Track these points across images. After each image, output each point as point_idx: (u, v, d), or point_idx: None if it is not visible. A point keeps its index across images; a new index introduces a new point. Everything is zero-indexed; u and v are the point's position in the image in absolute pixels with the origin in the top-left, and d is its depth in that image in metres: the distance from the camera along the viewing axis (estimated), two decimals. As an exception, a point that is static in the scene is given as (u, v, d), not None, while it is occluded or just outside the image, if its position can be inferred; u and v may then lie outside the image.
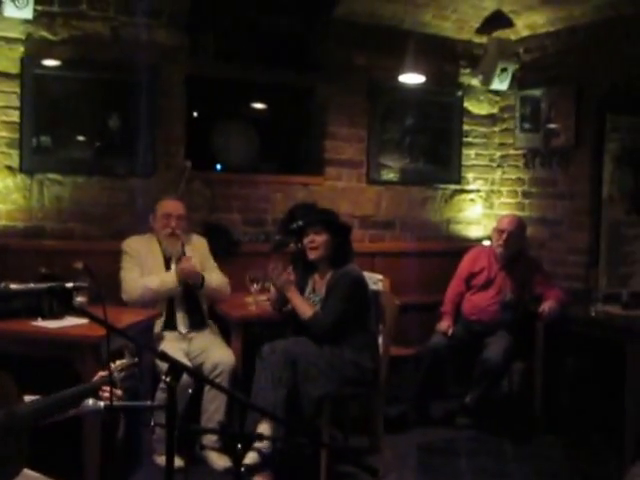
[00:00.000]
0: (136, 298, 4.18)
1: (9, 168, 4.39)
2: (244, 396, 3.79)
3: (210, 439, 4.06)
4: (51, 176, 4.51)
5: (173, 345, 4.14)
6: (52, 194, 4.52)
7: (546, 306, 4.60)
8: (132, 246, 4.32)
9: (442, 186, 5.65)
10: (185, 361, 4.07)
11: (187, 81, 4.79)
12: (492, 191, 5.78)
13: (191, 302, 4.34)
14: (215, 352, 4.16)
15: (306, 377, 3.80)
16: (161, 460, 4.00)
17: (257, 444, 3.69)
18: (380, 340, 4.16)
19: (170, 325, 4.25)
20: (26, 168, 4.42)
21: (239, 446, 2.12)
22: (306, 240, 4.03)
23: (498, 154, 5.75)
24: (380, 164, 5.40)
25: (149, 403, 2.84)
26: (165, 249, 4.33)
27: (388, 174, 5.44)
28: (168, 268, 4.31)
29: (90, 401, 2.12)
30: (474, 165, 5.73)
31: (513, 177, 5.62)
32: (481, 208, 5.78)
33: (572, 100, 5.06)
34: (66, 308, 2.16)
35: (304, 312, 3.95)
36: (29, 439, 2.16)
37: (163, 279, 4.22)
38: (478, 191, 5.76)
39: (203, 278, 4.32)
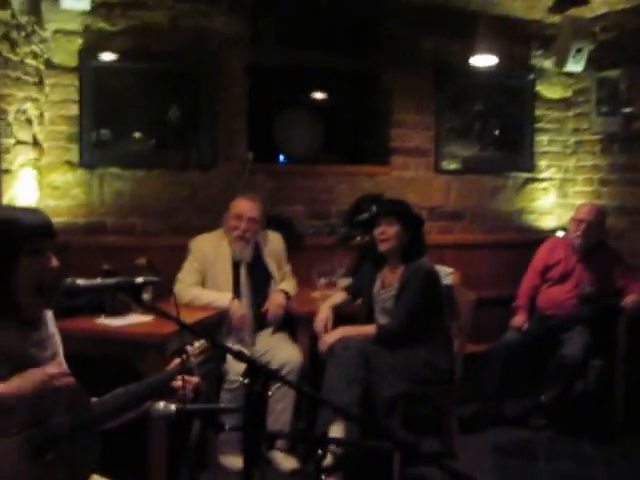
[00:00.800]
0: (184, 302, 3.98)
1: (69, 163, 4.33)
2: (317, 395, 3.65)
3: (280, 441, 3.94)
4: (111, 170, 4.43)
5: (237, 344, 4.02)
6: (112, 189, 4.45)
7: (629, 300, 4.35)
8: (199, 246, 4.15)
9: (513, 174, 5.38)
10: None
11: (248, 70, 4.66)
12: (566, 179, 5.48)
13: (257, 298, 4.17)
14: (282, 351, 4.02)
15: (379, 376, 3.62)
16: (227, 461, 3.89)
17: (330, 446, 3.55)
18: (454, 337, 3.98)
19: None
20: (86, 163, 4.35)
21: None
22: (377, 231, 3.84)
23: (572, 140, 5.45)
24: (449, 152, 5.17)
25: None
26: (233, 252, 4.13)
27: (457, 163, 5.21)
28: (236, 271, 4.12)
29: (161, 404, 1.99)
30: (547, 152, 5.45)
31: (589, 164, 5.31)
32: (554, 197, 5.50)
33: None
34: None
35: (369, 333, 3.76)
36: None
37: (216, 299, 4.01)
38: (551, 179, 5.48)
39: (289, 297, 4.20)
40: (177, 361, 2.23)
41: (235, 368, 3.78)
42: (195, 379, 2.21)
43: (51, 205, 4.29)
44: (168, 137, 4.50)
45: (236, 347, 3.96)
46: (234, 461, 3.82)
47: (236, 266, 4.15)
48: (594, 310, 4.54)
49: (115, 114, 4.38)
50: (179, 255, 4.20)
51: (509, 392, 4.72)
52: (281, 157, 5.09)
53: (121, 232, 4.46)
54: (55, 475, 1.94)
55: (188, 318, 3.68)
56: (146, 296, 3.60)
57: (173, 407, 1.99)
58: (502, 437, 4.46)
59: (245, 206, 4.12)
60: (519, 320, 4.63)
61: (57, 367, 1.94)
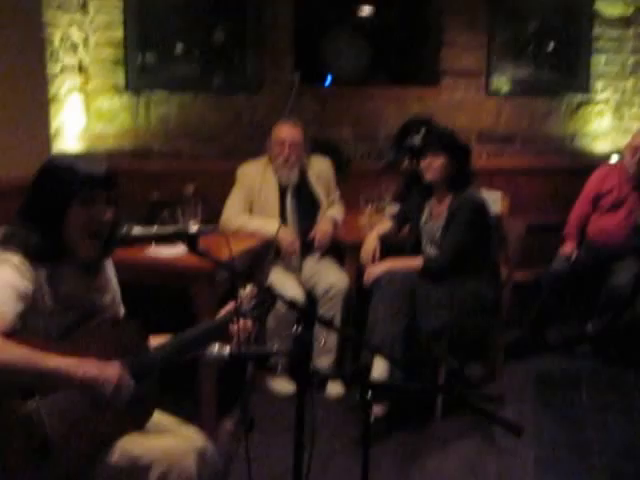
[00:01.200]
0: (232, 230, 4.00)
1: (115, 88, 4.31)
2: (357, 330, 3.68)
3: (324, 363, 3.99)
4: (157, 94, 4.39)
5: (285, 275, 4.04)
6: (159, 113, 4.42)
7: (685, 232, 4.24)
8: (246, 174, 4.12)
9: (567, 96, 5.18)
10: (298, 289, 3.99)
11: (295, -11, 4.52)
12: (623, 101, 5.27)
13: (304, 224, 4.16)
14: (328, 274, 4.04)
15: (425, 308, 3.62)
16: (277, 386, 3.98)
17: (375, 375, 3.60)
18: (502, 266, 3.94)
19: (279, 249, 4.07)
20: (132, 87, 4.33)
21: (369, 394, 1.97)
22: (423, 162, 3.76)
23: (631, 60, 5.20)
24: (501, 73, 4.98)
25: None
26: (280, 178, 4.09)
27: (509, 84, 5.03)
28: (283, 198, 4.10)
29: (215, 347, 2.02)
30: (604, 73, 5.21)
31: (648, 86, 5.11)
32: (610, 120, 5.30)
33: None
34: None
35: (416, 266, 3.72)
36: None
37: (263, 226, 3.99)
38: (607, 101, 5.27)
39: (336, 224, 4.17)
40: (230, 306, 2.24)
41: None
42: (249, 323, 2.23)
43: (98, 131, 4.30)
44: (214, 60, 4.44)
45: (283, 274, 4.02)
46: (284, 385, 3.93)
47: (282, 192, 4.13)
48: (647, 241, 4.46)
49: (160, 37, 4.32)
50: (226, 180, 4.19)
51: (554, 320, 4.72)
52: (328, 79, 4.96)
53: (167, 157, 4.46)
54: (121, 419, 2.01)
55: (235, 247, 3.72)
56: (194, 227, 3.68)
57: (227, 350, 2.02)
58: (545, 365, 4.47)
59: (287, 131, 4.05)
60: (568, 249, 4.56)
61: (125, 375, 1.93)
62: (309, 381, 1.93)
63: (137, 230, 2.06)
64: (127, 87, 4.29)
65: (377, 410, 3.65)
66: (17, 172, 3.59)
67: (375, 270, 3.77)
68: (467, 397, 2.26)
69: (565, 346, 4.67)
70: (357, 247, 4.05)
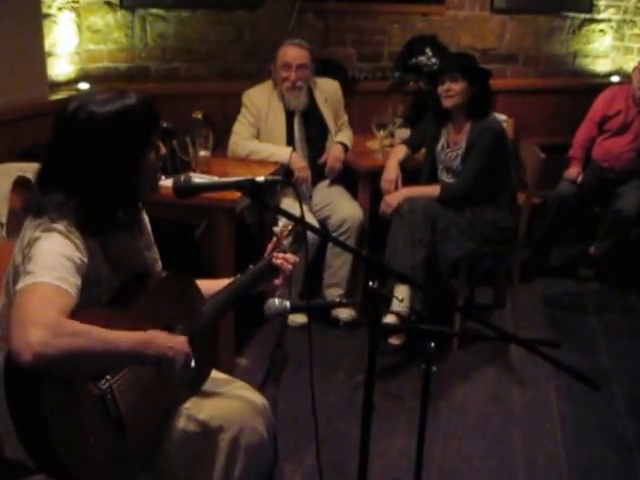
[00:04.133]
0: (240, 157, 3.87)
1: (109, 4, 4.02)
2: (378, 257, 3.60)
3: (334, 293, 3.95)
4: (154, 11, 4.13)
5: (296, 203, 3.90)
6: (155, 31, 4.17)
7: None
8: (252, 99, 3.93)
9: (571, 15, 5.06)
10: (311, 218, 3.87)
11: None
12: (624, 20, 5.18)
13: (313, 151, 4.03)
14: (342, 206, 3.92)
15: (445, 237, 3.58)
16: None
17: (394, 306, 3.57)
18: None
19: (290, 175, 3.90)
20: (127, 3, 4.05)
21: (432, 344, 1.92)
22: (441, 88, 3.60)
23: (635, -22, 5.10)
24: (506, -11, 4.83)
25: (339, 300, 2.67)
26: (288, 102, 3.91)
27: (514, 1, 4.86)
28: (290, 122, 3.94)
29: (276, 301, 1.93)
30: (607, -8, 5.11)
31: (652, 5, 5.01)
32: (611, 40, 5.21)
33: None
34: (258, 205, 1.89)
35: (434, 194, 3.64)
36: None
37: (275, 153, 3.86)
38: (609, 20, 5.17)
39: (347, 149, 4.04)
40: (270, 245, 2.16)
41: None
42: (294, 257, 2.15)
43: (91, 49, 4.03)
44: (213, -27, 4.16)
45: (294, 202, 3.89)
46: (295, 316, 3.87)
47: (290, 118, 3.97)
48: (652, 164, 4.45)
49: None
50: (227, 102, 4.03)
51: (560, 244, 4.74)
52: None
53: (165, 77, 4.23)
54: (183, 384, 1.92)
55: (249, 175, 3.57)
56: (204, 154, 3.51)
57: (287, 303, 1.94)
58: (550, 288, 4.53)
59: (293, 53, 3.85)
60: (574, 172, 4.53)
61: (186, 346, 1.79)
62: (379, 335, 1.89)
63: (197, 180, 1.92)
64: (121, 4, 4.00)
65: (394, 340, 3.66)
66: (14, 97, 3.37)
67: (394, 199, 3.68)
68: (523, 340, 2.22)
69: (568, 268, 4.71)
70: (371, 174, 3.97)
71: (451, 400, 3.30)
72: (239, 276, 2.09)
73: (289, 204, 3.85)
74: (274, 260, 2.10)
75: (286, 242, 2.16)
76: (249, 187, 1.89)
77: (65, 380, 1.61)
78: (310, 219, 3.86)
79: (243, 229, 3.80)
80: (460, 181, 3.64)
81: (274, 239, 2.15)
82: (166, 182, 2.09)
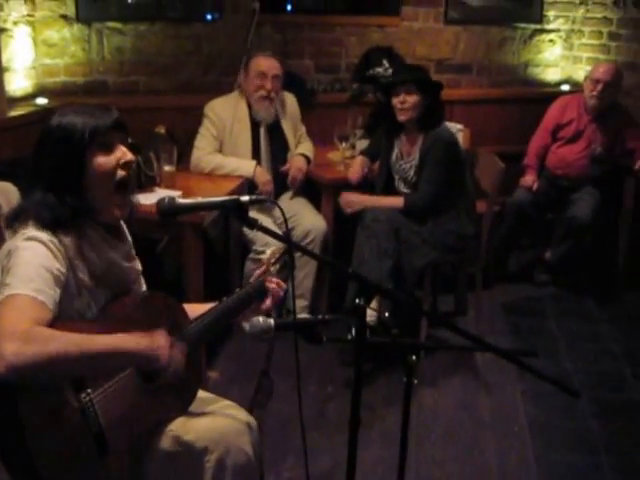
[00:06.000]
0: (204, 172, 3.86)
1: (65, 18, 3.97)
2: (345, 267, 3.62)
3: (299, 305, 3.95)
4: (110, 25, 4.10)
5: (258, 215, 3.89)
6: (112, 45, 4.14)
7: (643, 162, 4.37)
8: (216, 111, 3.91)
9: (522, 25, 5.18)
10: (276, 230, 3.87)
11: None
12: (573, 30, 5.32)
13: (276, 163, 4.04)
14: (306, 218, 3.94)
15: (409, 247, 3.62)
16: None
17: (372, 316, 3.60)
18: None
19: (254, 188, 3.92)
20: (83, 17, 4.01)
21: (413, 357, 1.96)
22: (396, 100, 3.64)
23: (582, -10, 5.25)
24: (459, 2, 4.92)
25: (324, 317, 2.67)
26: (256, 113, 3.92)
27: (466, 13, 4.97)
28: (255, 134, 3.95)
29: (260, 319, 1.94)
30: (555, 2, 5.22)
31: (598, 16, 5.14)
32: (560, 49, 5.35)
33: None
34: (242, 223, 1.91)
35: (397, 205, 3.69)
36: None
37: (239, 167, 3.86)
38: (558, 31, 5.30)
39: (309, 161, 4.07)
40: (259, 272, 2.19)
41: (261, 239, 3.73)
42: (281, 283, 2.19)
43: (48, 64, 3.98)
44: (171, -14, 4.14)
45: (257, 215, 3.89)
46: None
47: (255, 130, 3.97)
48: (604, 171, 4.57)
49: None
50: (187, 115, 4.02)
51: (516, 249, 4.84)
52: (288, 7, 4.74)
53: (123, 91, 4.19)
54: (166, 397, 1.91)
55: (214, 190, 3.59)
56: (169, 168, 3.49)
57: (272, 321, 1.95)
58: (509, 294, 4.61)
59: (269, 64, 3.87)
60: (529, 179, 4.63)
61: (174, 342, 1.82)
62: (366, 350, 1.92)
63: (182, 201, 1.92)
64: (77, 17, 3.95)
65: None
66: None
67: (354, 201, 3.74)
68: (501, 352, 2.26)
69: (525, 274, 4.81)
70: (334, 186, 4.00)
71: (421, 407, 3.35)
72: (226, 299, 2.10)
73: (253, 216, 3.84)
74: (267, 284, 2.14)
75: (273, 269, 2.20)
76: (234, 207, 1.90)
77: (44, 393, 1.61)
78: (275, 230, 3.86)
79: (206, 243, 3.79)
80: (420, 192, 3.69)
81: (263, 266, 2.18)
82: (141, 199, 2.09)
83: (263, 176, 3.87)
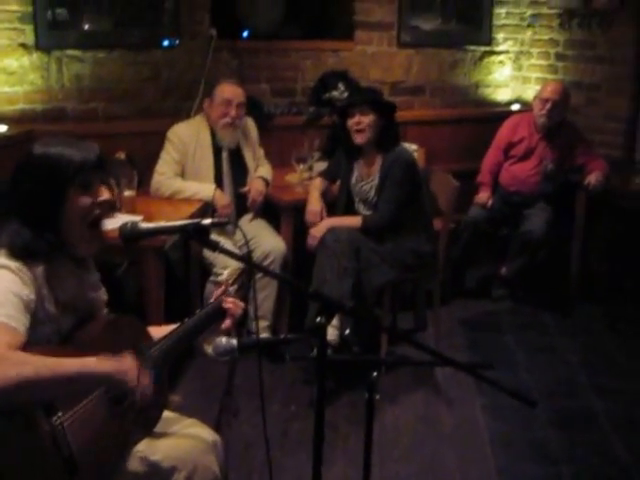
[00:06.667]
0: (164, 196, 3.89)
1: (24, 46, 3.97)
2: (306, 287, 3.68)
3: (260, 326, 3.98)
4: (70, 52, 4.11)
5: (219, 238, 3.93)
6: (72, 72, 4.15)
7: (592, 178, 4.50)
8: (179, 136, 3.95)
9: (472, 48, 5.34)
10: (235, 252, 3.92)
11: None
12: (521, 52, 5.49)
13: (237, 187, 4.08)
14: (265, 240, 3.99)
15: (368, 265, 3.69)
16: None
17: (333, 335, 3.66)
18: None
19: (214, 212, 3.93)
20: (42, 45, 4.01)
21: (375, 374, 2.02)
22: (351, 122, 3.74)
23: (529, 12, 5.42)
24: (411, 26, 5.06)
25: (287, 336, 2.72)
26: (221, 139, 3.97)
27: (419, 36, 5.10)
28: (217, 159, 4.00)
29: (223, 340, 1.99)
30: (504, 25, 5.40)
31: (545, 38, 5.33)
32: (510, 70, 5.52)
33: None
34: (203, 246, 1.96)
35: (355, 224, 3.77)
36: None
37: (199, 191, 3.89)
38: (507, 52, 5.47)
39: (267, 184, 4.12)
40: (218, 292, 2.23)
41: (221, 261, 3.76)
42: (240, 303, 2.23)
43: (7, 92, 3.97)
44: (128, 15, 4.17)
45: (217, 237, 3.93)
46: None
47: (217, 154, 4.02)
48: (555, 187, 4.72)
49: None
50: (147, 141, 4.05)
51: (473, 265, 4.95)
52: (245, 34, 4.82)
53: (83, 118, 4.20)
54: (133, 419, 1.94)
55: (175, 214, 3.62)
56: (129, 193, 3.52)
57: (235, 341, 2.00)
58: (467, 310, 4.72)
59: (234, 91, 3.95)
60: (483, 197, 4.76)
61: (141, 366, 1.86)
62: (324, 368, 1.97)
63: (144, 225, 1.96)
64: (37, 45, 3.96)
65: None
66: None
67: (319, 231, 3.78)
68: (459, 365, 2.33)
69: (483, 289, 4.93)
70: (293, 208, 4.07)
71: (383, 423, 3.40)
72: (187, 320, 2.14)
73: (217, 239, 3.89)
74: (224, 304, 2.17)
75: (232, 289, 2.24)
76: (195, 230, 1.95)
77: (16, 416, 1.64)
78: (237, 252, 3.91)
79: (167, 266, 3.82)
80: (380, 212, 3.77)
81: (222, 287, 2.22)
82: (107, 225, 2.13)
83: (222, 199, 3.92)
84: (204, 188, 3.91)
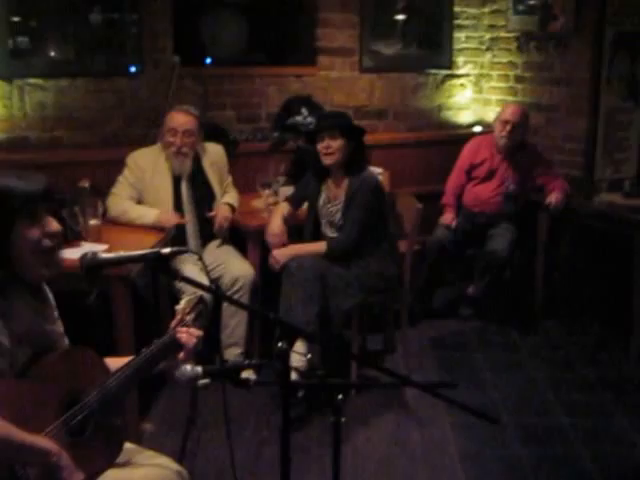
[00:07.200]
0: (114, 217, 3.87)
1: (-15, 75, 3.97)
2: (273, 314, 3.70)
3: (234, 352, 3.99)
4: (32, 81, 4.12)
5: (188, 263, 3.94)
6: (34, 100, 4.15)
7: (553, 198, 4.59)
8: (136, 161, 3.96)
9: (433, 71, 5.44)
10: (203, 279, 3.91)
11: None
12: (481, 75, 5.61)
13: (200, 214, 4.08)
14: (233, 265, 3.99)
15: (335, 291, 3.73)
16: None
17: (294, 362, 3.65)
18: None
19: (179, 239, 3.95)
20: (4, 74, 4.03)
21: (340, 397, 2.04)
22: (320, 145, 3.80)
23: (488, 36, 5.54)
24: (373, 51, 5.13)
25: (250, 362, 2.73)
26: (173, 168, 3.98)
27: (381, 61, 5.18)
28: (177, 186, 4.01)
29: (188, 367, 2.00)
30: (464, 48, 5.51)
31: (504, 61, 5.43)
32: (471, 93, 5.62)
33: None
34: (164, 276, 1.97)
35: (320, 250, 3.80)
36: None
37: (143, 215, 3.86)
38: (467, 75, 5.58)
39: (234, 210, 4.13)
40: (174, 322, 2.21)
41: (190, 288, 3.74)
42: (198, 332, 2.21)
43: (-32, 122, 3.96)
44: (91, 43, 4.20)
45: (184, 264, 3.92)
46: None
47: (177, 181, 4.02)
48: (517, 206, 4.80)
49: (33, 19, 4.00)
50: (112, 169, 4.03)
51: (439, 286, 5.00)
52: (208, 60, 4.85)
53: (46, 147, 4.20)
54: (96, 448, 1.92)
55: (140, 242, 3.59)
56: (93, 222, 3.50)
57: (199, 368, 2.01)
58: (436, 330, 4.76)
59: (179, 119, 3.93)
60: (448, 218, 4.82)
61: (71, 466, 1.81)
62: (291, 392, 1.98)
63: (104, 255, 1.97)
64: (-2, 74, 3.98)
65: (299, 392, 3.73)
66: None
67: (281, 255, 3.81)
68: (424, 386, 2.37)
69: (450, 309, 4.98)
70: (259, 233, 4.07)
71: (355, 446, 3.41)
72: (143, 351, 2.12)
73: (180, 267, 3.87)
74: (178, 335, 2.14)
75: (189, 318, 2.22)
76: (155, 259, 1.96)
77: None
78: (203, 280, 3.89)
79: (136, 293, 3.80)
80: (344, 234, 3.81)
81: (177, 316, 2.19)
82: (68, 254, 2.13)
83: (168, 220, 3.86)
84: (147, 212, 3.87)
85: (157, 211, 3.89)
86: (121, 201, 3.92)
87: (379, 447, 3.44)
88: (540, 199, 4.70)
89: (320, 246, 3.83)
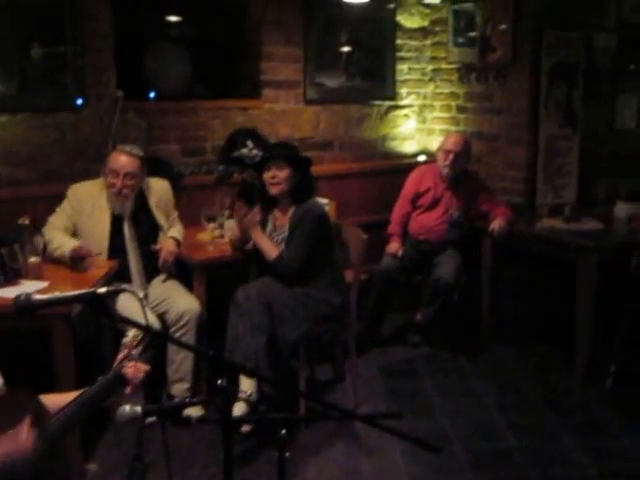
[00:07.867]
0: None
1: None
2: (215, 349, 3.70)
3: (180, 388, 3.94)
4: (-29, 117, 4.05)
5: (131, 301, 3.85)
6: (-27, 137, 4.08)
7: (496, 224, 4.67)
8: (76, 193, 3.94)
9: (377, 103, 5.52)
10: (149, 315, 3.85)
11: (114, 3, 4.34)
12: (424, 105, 5.71)
13: (145, 250, 4.04)
14: (179, 300, 3.94)
15: (281, 320, 3.73)
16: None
17: (242, 394, 3.62)
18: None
19: (123, 275, 3.88)
20: (-58, 110, 3.95)
21: (283, 431, 2.03)
22: (267, 175, 3.84)
23: (430, 68, 5.66)
24: (317, 83, 5.20)
25: (191, 399, 2.69)
26: (114, 208, 3.94)
27: (325, 93, 5.25)
28: (119, 224, 3.96)
29: (127, 407, 1.96)
30: (407, 80, 5.61)
31: (446, 91, 5.56)
32: (414, 123, 5.72)
33: (509, 15, 4.98)
34: (101, 315, 1.94)
35: (270, 253, 3.83)
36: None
37: (62, 245, 3.75)
38: (411, 106, 5.68)
39: (179, 244, 4.10)
40: (120, 356, 2.19)
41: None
42: (145, 366, 2.19)
43: None
44: (32, 77, 4.14)
45: (129, 300, 3.85)
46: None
47: (118, 219, 3.98)
48: (462, 233, 4.87)
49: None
50: (54, 205, 3.97)
51: (388, 314, 5.03)
52: (152, 94, 4.85)
53: (-15, 184, 4.13)
54: None
55: (82, 280, 3.52)
56: (34, 260, 3.45)
57: (139, 408, 1.98)
58: (385, 357, 4.78)
59: (121, 161, 3.88)
60: (394, 247, 4.86)
61: None
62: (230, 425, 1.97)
63: (37, 297, 1.94)
64: (-64, 111, 3.91)
65: (244, 428, 3.70)
66: None
67: (250, 221, 3.84)
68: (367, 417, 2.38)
69: (399, 336, 5.02)
70: (205, 266, 4.07)
71: (305, 478, 3.39)
72: (88, 388, 2.09)
73: (125, 303, 3.79)
74: (124, 370, 2.11)
75: (135, 352, 2.18)
76: (90, 299, 1.93)
77: None
78: (150, 316, 3.84)
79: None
80: (287, 258, 3.82)
81: (124, 350, 2.16)
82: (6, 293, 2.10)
83: (82, 250, 3.73)
84: (66, 242, 3.78)
85: (74, 243, 3.79)
86: (52, 230, 3.85)
87: (330, 479, 3.42)
88: (484, 226, 4.77)
89: (272, 251, 3.83)
